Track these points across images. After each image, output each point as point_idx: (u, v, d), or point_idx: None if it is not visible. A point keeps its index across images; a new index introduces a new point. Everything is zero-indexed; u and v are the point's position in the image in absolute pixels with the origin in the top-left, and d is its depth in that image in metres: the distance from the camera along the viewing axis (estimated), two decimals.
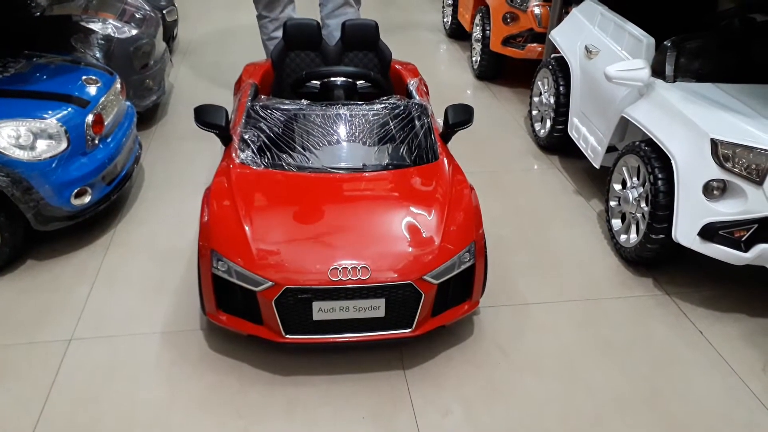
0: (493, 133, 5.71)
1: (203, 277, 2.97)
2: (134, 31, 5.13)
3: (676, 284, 3.77)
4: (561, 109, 4.95)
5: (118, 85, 4.23)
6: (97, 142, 3.81)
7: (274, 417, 2.82)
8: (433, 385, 3.01)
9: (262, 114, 3.36)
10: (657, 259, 3.73)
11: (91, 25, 4.90)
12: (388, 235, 2.99)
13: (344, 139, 3.35)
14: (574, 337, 3.36)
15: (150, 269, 3.75)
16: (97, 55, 4.80)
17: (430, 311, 2.97)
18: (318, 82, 3.68)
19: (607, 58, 4.32)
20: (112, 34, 4.94)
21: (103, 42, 4.86)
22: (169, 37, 6.84)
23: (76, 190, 3.62)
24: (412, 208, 3.10)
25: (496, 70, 6.74)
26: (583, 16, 4.96)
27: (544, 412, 2.90)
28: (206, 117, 3.38)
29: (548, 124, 5.19)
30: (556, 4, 5.54)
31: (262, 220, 2.99)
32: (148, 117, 5.66)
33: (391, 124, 3.40)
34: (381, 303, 2.84)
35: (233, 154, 3.32)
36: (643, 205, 3.72)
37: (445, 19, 8.51)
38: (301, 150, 3.30)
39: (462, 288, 3.10)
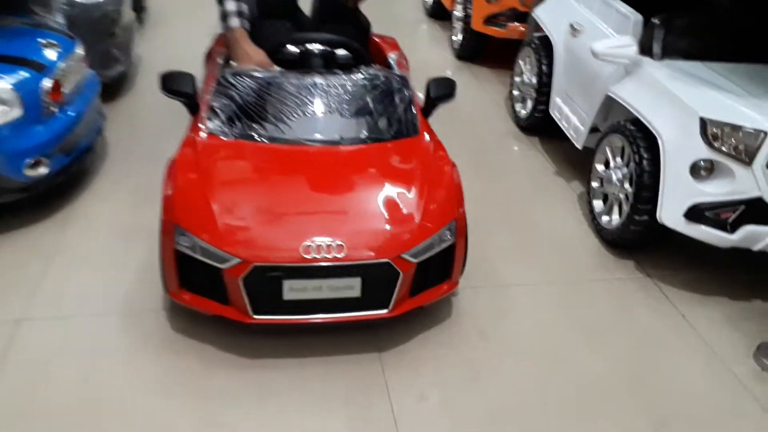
0: (473, 115, 5.57)
1: (165, 253, 2.78)
2: None
3: (657, 267, 3.68)
4: (543, 89, 4.83)
5: (80, 51, 3.98)
6: (55, 110, 3.56)
7: (241, 402, 2.66)
8: (410, 369, 2.88)
9: (233, 81, 3.16)
10: (639, 241, 3.64)
11: None
12: (365, 212, 2.83)
13: (320, 109, 3.17)
14: (554, 319, 3.25)
15: (110, 247, 3.53)
16: (59, 21, 4.51)
17: (407, 291, 2.83)
18: (296, 50, 3.47)
19: (593, 35, 4.20)
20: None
21: (65, 6, 4.58)
22: (139, 7, 6.53)
23: (30, 160, 3.38)
24: (391, 184, 2.95)
25: (477, 51, 6.59)
26: None
27: (524, 395, 2.78)
28: (173, 84, 3.18)
29: (529, 104, 5.07)
30: None
31: (229, 193, 2.81)
32: (114, 89, 5.38)
33: (369, 95, 3.23)
34: (357, 282, 2.68)
35: (200, 124, 3.12)
36: (626, 185, 3.61)
37: None
38: (274, 120, 3.11)
39: (441, 268, 2.96)
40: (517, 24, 6.04)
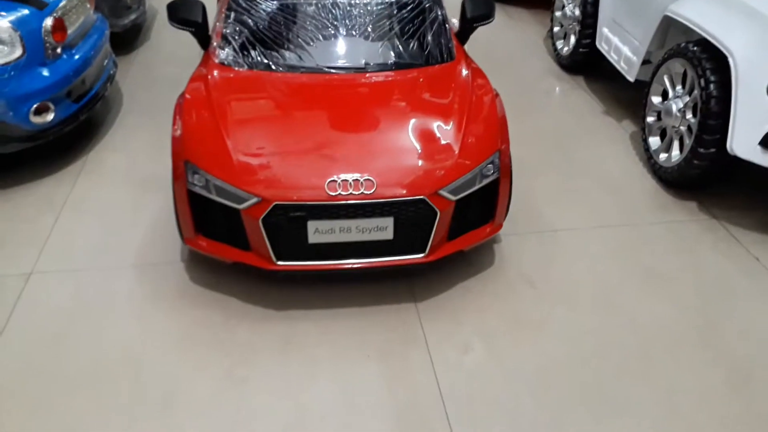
0: (510, 55, 5.16)
1: (178, 196, 2.52)
2: None
3: (724, 207, 3.30)
4: (588, 21, 4.40)
5: None
6: (59, 51, 3.31)
7: (265, 356, 2.41)
8: (450, 320, 2.59)
9: (246, 5, 2.85)
10: (703, 178, 3.25)
11: None
12: (397, 144, 2.52)
13: (343, 33, 2.83)
14: (611, 265, 2.92)
15: (125, 199, 3.30)
16: None
17: (446, 234, 2.52)
18: None
19: None
20: None
21: None
22: None
23: (35, 106, 3.14)
24: (425, 114, 2.63)
25: None
26: None
27: (581, 346, 2.48)
28: (180, 13, 2.89)
29: (572, 40, 4.64)
30: None
31: (245, 127, 2.53)
32: (129, 41, 5.14)
33: (398, 15, 2.88)
34: (389, 222, 2.39)
35: (212, 55, 2.83)
36: (689, 116, 3.22)
37: None
38: (292, 46, 2.79)
39: (483, 208, 2.65)
40: None
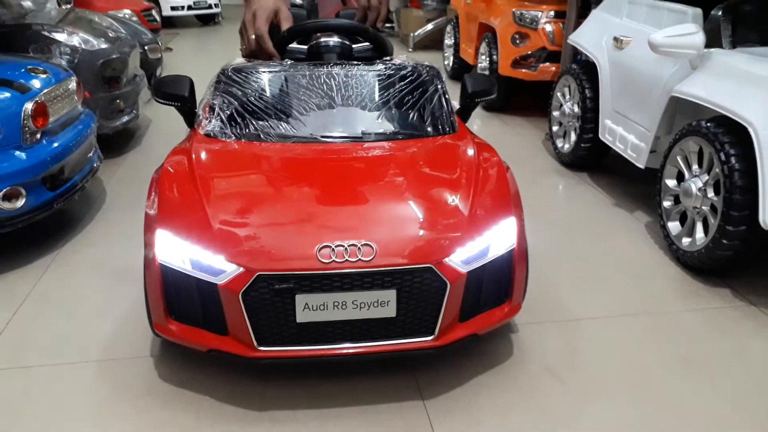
0: (510, 157, 4.94)
1: (148, 273, 2.19)
2: (104, 45, 4.59)
3: (761, 294, 2.97)
4: (588, 115, 4.32)
5: (73, 84, 3.60)
6: (39, 137, 3.13)
7: None
8: (466, 419, 2.17)
9: (236, 78, 2.69)
10: (735, 259, 2.94)
11: (55, 35, 4.35)
12: (399, 212, 2.25)
13: (339, 103, 2.65)
14: (644, 355, 2.53)
15: (94, 293, 2.95)
16: (62, 64, 4.21)
17: (457, 314, 2.17)
18: (304, 46, 2.98)
19: (642, 43, 3.73)
20: (78, 45, 4.39)
21: (67, 51, 4.31)
22: (151, 75, 6.33)
23: (5, 190, 2.89)
24: (429, 184, 2.39)
25: (505, 99, 6.17)
26: (605, 13, 4.43)
27: None
28: (167, 88, 2.74)
29: (573, 137, 4.55)
30: (571, 12, 5.05)
31: (228, 196, 2.26)
32: (120, 144, 5.04)
33: (396, 86, 2.72)
34: (391, 296, 2.05)
35: (198, 128, 2.63)
36: (711, 194, 2.99)
37: (445, 62, 8.10)
38: (284, 116, 2.60)
39: (498, 285, 2.31)
40: (548, 64, 5.65)
